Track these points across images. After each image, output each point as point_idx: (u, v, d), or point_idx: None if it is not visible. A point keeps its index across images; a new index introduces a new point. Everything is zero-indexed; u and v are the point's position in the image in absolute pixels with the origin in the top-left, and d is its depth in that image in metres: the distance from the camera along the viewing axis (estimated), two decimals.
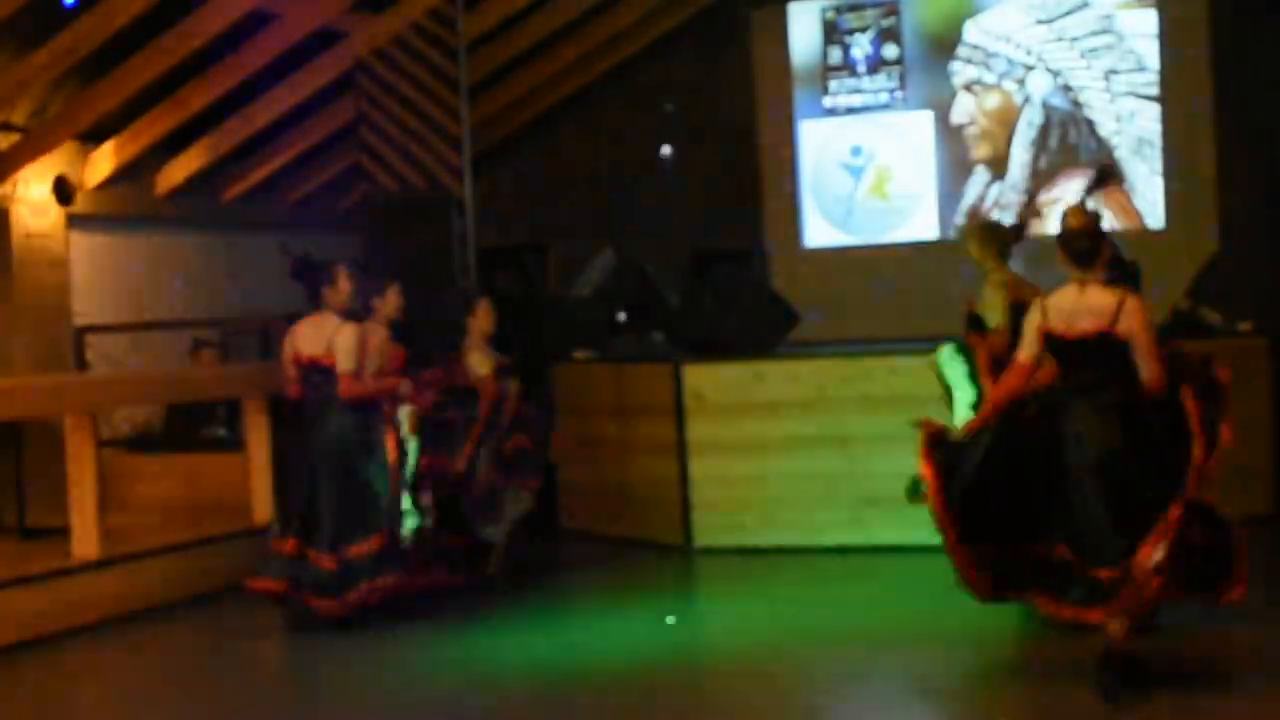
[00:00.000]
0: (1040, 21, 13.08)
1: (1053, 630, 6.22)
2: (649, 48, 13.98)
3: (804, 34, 13.74)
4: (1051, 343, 5.46)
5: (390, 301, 7.73)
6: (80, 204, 10.80)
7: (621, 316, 11.16)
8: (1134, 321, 5.29)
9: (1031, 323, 5.49)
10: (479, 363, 7.81)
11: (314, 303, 7.43)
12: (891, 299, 12.49)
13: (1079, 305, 5.36)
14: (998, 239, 7.02)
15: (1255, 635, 6.26)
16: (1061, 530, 5.45)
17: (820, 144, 13.75)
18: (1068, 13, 12.98)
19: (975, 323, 7.00)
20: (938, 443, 5.64)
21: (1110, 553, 5.28)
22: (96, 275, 11.26)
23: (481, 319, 7.87)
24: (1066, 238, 5.44)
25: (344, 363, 7.23)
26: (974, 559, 5.52)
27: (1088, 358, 5.36)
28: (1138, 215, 12.64)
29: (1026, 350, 5.53)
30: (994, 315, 6.80)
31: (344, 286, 7.41)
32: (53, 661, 6.99)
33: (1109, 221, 11.25)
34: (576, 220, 14.09)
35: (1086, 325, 5.32)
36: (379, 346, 7.59)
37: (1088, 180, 11.34)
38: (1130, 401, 5.34)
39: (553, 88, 13.95)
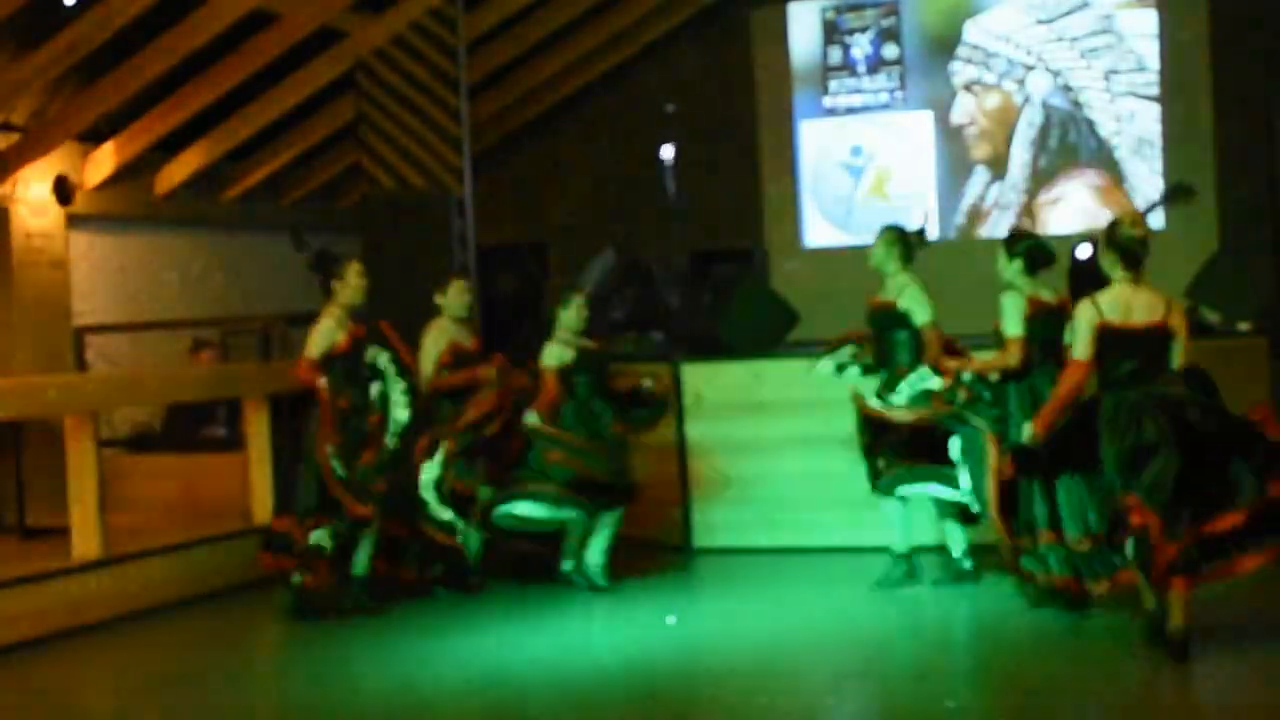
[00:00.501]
0: (1040, 21, 13.09)
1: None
2: (649, 48, 13.98)
3: (804, 34, 13.74)
4: (1106, 335, 5.88)
5: (453, 297, 7.78)
6: (80, 204, 10.81)
7: (617, 316, 11.18)
8: (1179, 318, 5.91)
9: (1087, 321, 5.91)
10: (550, 355, 7.75)
11: (326, 296, 7.45)
12: None
13: (1134, 301, 5.87)
14: (902, 243, 7.42)
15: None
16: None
17: (820, 144, 13.75)
18: (1068, 13, 12.99)
19: (884, 320, 7.34)
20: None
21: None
22: (96, 275, 11.27)
23: (571, 314, 7.88)
24: (1126, 244, 5.89)
25: (307, 348, 7.33)
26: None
27: (1138, 349, 5.85)
28: None
29: (1086, 348, 5.92)
30: (925, 312, 7.22)
31: (353, 282, 7.43)
32: (53, 661, 6.99)
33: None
34: (576, 220, 14.10)
35: (1141, 319, 5.85)
36: (433, 342, 7.70)
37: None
38: (1175, 391, 5.81)
39: (553, 88, 13.95)
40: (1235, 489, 5.63)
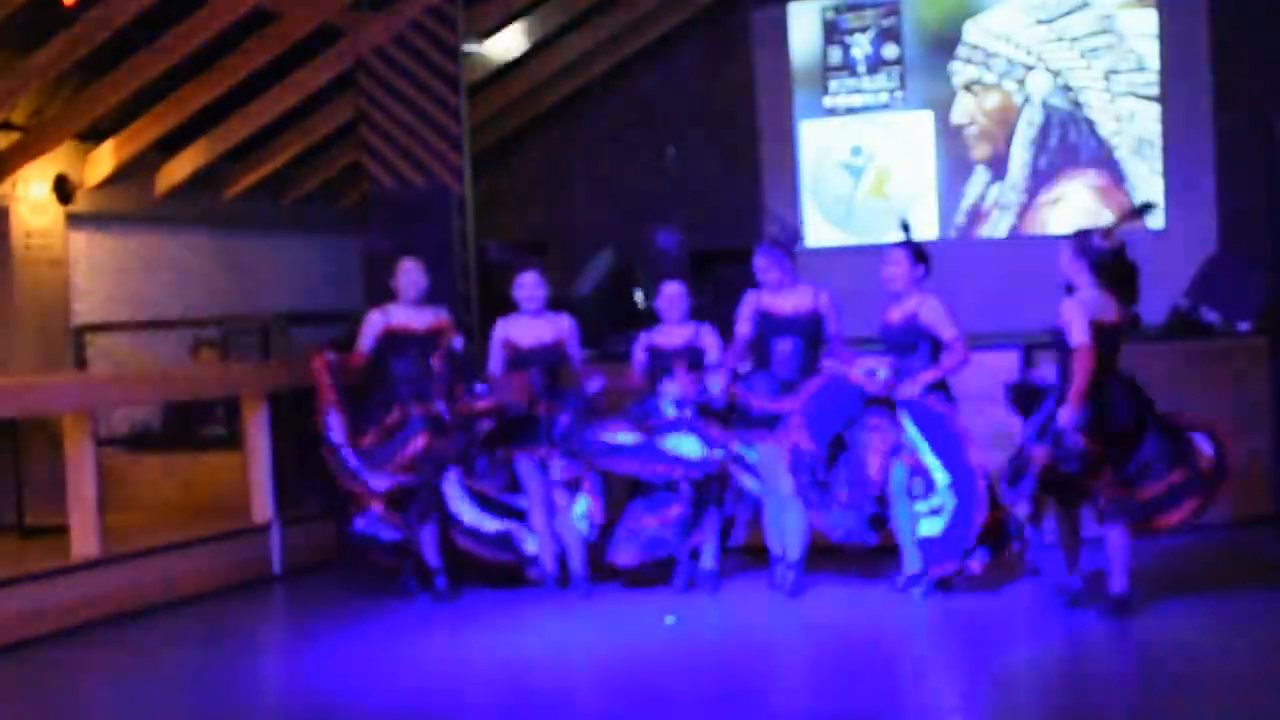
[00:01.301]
0: (1040, 21, 13.09)
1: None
2: (649, 48, 13.98)
3: (804, 34, 13.74)
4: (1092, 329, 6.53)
5: (523, 289, 7.84)
6: (80, 204, 10.81)
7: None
8: (1125, 315, 6.82)
9: (1082, 317, 6.52)
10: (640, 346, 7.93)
11: (389, 296, 7.66)
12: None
13: (1106, 302, 6.64)
14: (789, 254, 7.82)
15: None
16: None
17: (820, 144, 13.76)
18: (1068, 13, 12.99)
19: (804, 327, 7.64)
20: None
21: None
22: (96, 275, 11.26)
23: (666, 304, 8.00)
24: (1101, 257, 6.66)
25: (359, 342, 7.57)
26: None
27: (1106, 344, 6.53)
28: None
29: (1087, 335, 6.50)
30: (836, 321, 7.71)
31: (403, 280, 7.57)
32: (53, 661, 6.99)
33: (1109, 220, 11.29)
34: (576, 220, 14.10)
35: (1110, 317, 6.62)
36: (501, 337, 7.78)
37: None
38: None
39: (553, 88, 13.96)
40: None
